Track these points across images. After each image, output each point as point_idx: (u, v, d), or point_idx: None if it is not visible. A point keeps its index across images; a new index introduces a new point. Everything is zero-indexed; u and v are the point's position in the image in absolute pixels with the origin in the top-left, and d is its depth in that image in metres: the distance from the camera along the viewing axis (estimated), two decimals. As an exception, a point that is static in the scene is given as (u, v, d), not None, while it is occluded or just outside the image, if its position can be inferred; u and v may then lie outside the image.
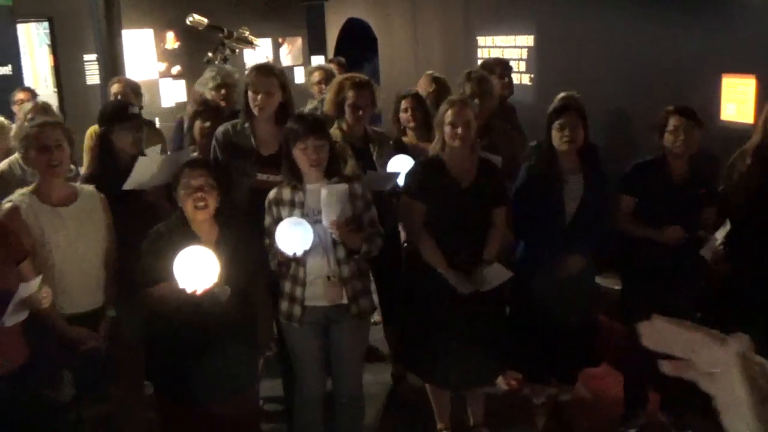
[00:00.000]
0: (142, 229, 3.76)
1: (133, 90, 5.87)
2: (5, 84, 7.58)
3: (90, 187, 3.82)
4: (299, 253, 3.56)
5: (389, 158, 4.52)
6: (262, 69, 4.29)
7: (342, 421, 4.04)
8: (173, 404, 3.66)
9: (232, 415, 3.64)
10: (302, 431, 4.04)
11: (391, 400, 4.96)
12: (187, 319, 3.43)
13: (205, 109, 4.79)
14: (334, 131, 4.56)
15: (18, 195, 3.64)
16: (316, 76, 6.37)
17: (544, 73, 7.04)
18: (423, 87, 5.64)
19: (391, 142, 4.86)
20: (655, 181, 4.18)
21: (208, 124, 4.62)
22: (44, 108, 4.90)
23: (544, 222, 4.17)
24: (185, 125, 5.75)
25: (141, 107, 4.91)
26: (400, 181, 4.32)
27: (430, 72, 5.95)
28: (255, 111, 4.19)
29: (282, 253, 3.56)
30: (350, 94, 4.57)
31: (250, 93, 4.19)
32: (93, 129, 5.71)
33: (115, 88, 5.85)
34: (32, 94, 6.41)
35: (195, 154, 4.37)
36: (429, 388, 4.40)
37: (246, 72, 4.44)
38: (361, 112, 4.54)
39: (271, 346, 4.71)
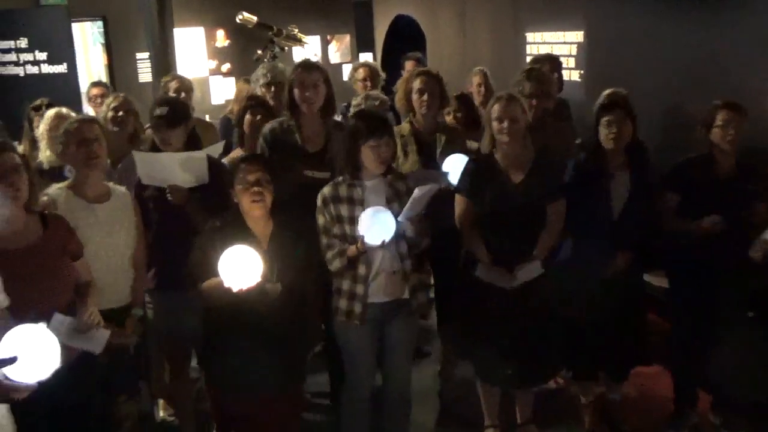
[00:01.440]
0: (176, 227, 3.87)
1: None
2: (61, 82, 7.74)
3: (122, 188, 3.88)
4: (387, 240, 3.56)
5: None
6: (306, 65, 4.35)
7: (390, 418, 4.06)
8: (224, 396, 3.72)
9: (279, 409, 3.68)
10: (350, 428, 4.05)
11: (438, 398, 4.96)
12: (238, 314, 3.47)
13: (255, 104, 4.85)
14: (405, 125, 4.60)
15: (55, 189, 3.71)
16: (361, 73, 6.36)
17: (594, 70, 6.96)
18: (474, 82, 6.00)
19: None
20: (701, 177, 4.12)
21: (258, 117, 4.68)
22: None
23: (592, 218, 4.14)
24: (233, 119, 5.82)
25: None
26: (453, 179, 4.31)
27: (480, 68, 6.14)
28: (304, 107, 4.23)
29: (365, 244, 3.57)
30: (416, 82, 4.62)
31: (296, 90, 4.23)
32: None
33: (173, 84, 5.93)
34: (106, 88, 6.46)
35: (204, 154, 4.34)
36: (480, 386, 4.39)
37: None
38: (425, 97, 4.57)
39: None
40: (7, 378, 2.29)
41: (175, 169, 3.98)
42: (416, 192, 3.59)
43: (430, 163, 4.49)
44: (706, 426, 4.41)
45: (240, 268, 3.32)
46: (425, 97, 4.58)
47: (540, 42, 7.81)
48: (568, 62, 7.23)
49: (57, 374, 2.64)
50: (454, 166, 4.31)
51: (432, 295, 4.73)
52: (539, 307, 4.02)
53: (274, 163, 4.07)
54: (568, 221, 4.18)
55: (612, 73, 6.40)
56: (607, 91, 5.04)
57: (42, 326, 2.48)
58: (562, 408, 4.70)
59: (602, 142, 4.14)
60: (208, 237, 3.58)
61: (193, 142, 4.22)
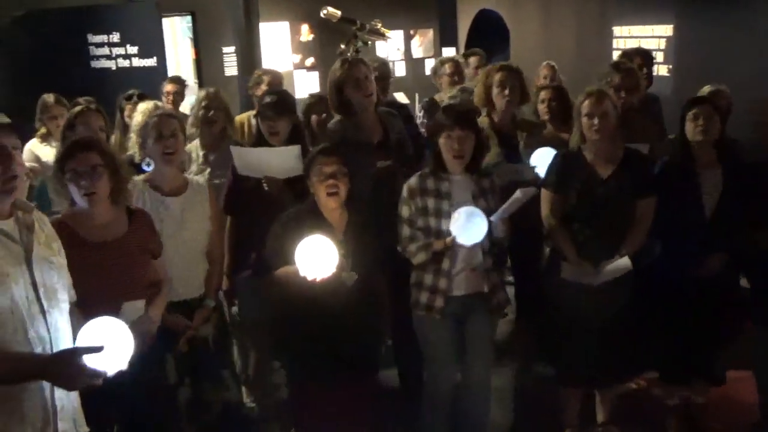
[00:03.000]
0: (265, 216, 3.89)
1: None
2: (151, 75, 7.93)
3: (200, 179, 3.96)
4: (479, 242, 3.59)
5: (536, 148, 4.48)
6: (354, 62, 4.37)
7: (469, 414, 4.04)
8: (300, 384, 3.76)
9: (352, 399, 3.69)
10: (430, 422, 4.04)
11: (516, 394, 4.92)
12: (311, 303, 3.50)
13: (318, 102, 4.89)
14: (482, 119, 4.59)
15: (134, 180, 3.78)
16: (448, 69, 6.34)
17: (684, 65, 6.80)
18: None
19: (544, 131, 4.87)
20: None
21: (324, 115, 4.73)
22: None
23: (682, 217, 4.03)
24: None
25: None
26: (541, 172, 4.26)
27: (548, 62, 6.40)
28: (365, 102, 4.24)
29: (454, 242, 3.60)
30: (497, 76, 4.63)
31: (351, 88, 4.22)
32: (239, 118, 5.86)
33: (266, 79, 6.02)
34: (180, 84, 6.55)
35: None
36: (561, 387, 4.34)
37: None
38: (507, 91, 4.57)
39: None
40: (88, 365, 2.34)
41: (270, 161, 4.08)
42: (518, 193, 3.59)
43: (513, 156, 4.47)
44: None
45: (316, 257, 3.36)
46: (506, 91, 4.58)
47: (627, 36, 7.67)
48: (657, 57, 7.08)
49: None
50: (542, 159, 4.28)
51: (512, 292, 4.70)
52: (625, 306, 3.94)
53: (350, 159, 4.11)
54: (656, 220, 4.08)
55: (702, 67, 6.25)
56: (707, 87, 4.92)
57: (117, 319, 2.53)
58: (645, 410, 4.61)
59: (689, 136, 4.04)
60: (283, 226, 3.63)
61: (297, 134, 4.28)
